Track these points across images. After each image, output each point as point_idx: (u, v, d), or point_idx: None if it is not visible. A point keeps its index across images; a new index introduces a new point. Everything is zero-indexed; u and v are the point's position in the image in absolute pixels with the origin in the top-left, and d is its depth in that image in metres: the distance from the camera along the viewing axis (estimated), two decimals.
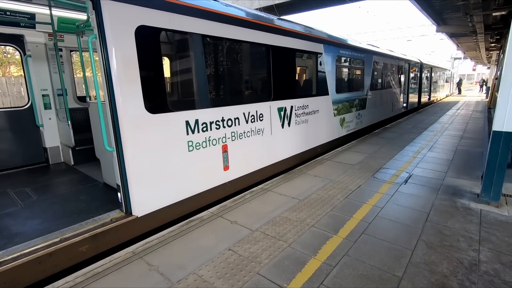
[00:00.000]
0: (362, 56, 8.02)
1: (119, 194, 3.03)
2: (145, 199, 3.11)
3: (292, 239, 3.00)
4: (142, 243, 2.95)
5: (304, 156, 5.92)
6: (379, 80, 9.79)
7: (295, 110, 5.38)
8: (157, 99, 3.14)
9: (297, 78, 5.70)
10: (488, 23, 12.14)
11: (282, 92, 4.98)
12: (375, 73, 9.49)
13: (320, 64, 6.08)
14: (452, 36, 18.74)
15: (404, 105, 13.65)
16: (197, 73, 3.77)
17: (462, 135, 8.43)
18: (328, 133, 6.72)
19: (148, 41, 2.99)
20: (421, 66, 15.50)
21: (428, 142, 7.58)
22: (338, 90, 6.94)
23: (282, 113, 5.04)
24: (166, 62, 3.78)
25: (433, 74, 19.25)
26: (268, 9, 12.28)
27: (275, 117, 4.89)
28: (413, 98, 14.65)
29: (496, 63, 23.51)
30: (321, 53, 6.05)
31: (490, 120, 11.67)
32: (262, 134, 4.61)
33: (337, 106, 6.91)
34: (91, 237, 2.75)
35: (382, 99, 10.08)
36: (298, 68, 5.79)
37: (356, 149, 6.89)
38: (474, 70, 56.25)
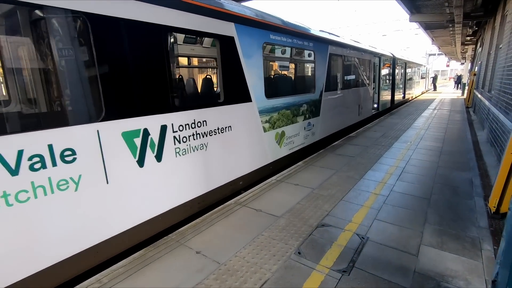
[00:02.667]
0: (311, 46, 5.91)
1: None
2: None
3: None
4: None
5: (206, 200, 3.74)
6: (340, 78, 7.76)
7: (176, 132, 3.17)
8: None
9: (176, 76, 3.51)
10: (467, 10, 10.46)
11: (132, 101, 2.73)
12: (334, 69, 7.44)
13: (231, 55, 3.88)
14: (427, 28, 17.21)
15: (375, 105, 11.80)
16: None
17: (441, 148, 6.55)
18: (255, 158, 4.56)
19: None
20: (394, 61, 13.74)
21: (399, 161, 5.60)
22: (270, 94, 4.80)
23: (139, 140, 2.80)
24: None
25: (407, 70, 17.67)
26: None
27: (120, 150, 2.64)
28: (386, 97, 12.86)
29: (472, 58, 22.46)
30: (231, 37, 3.85)
31: (471, 123, 9.98)
32: (77, 186, 2.35)
33: (269, 117, 4.76)
34: None
35: (345, 102, 8.06)
36: (177, 60, 3.58)
37: (296, 179, 4.78)
38: (447, 66, 56.55)
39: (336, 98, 7.45)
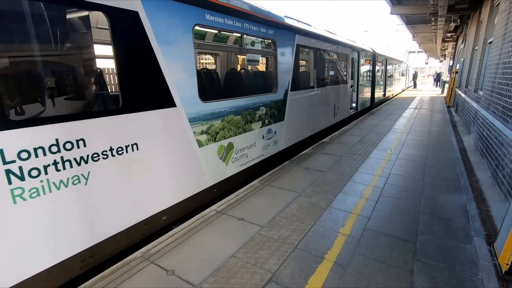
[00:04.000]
0: (271, 33, 4.72)
1: None
2: None
3: None
4: None
5: (95, 255, 2.48)
6: (312, 74, 6.63)
7: (12, 164, 1.88)
8: None
9: (7, 72, 2.22)
10: (451, 2, 9.61)
11: None
12: (303, 63, 6.30)
13: (134, 39, 2.62)
14: (408, 23, 16.46)
15: (354, 105, 10.84)
16: None
17: (425, 157, 5.58)
18: (185, 182, 3.36)
19: None
20: (374, 57, 12.83)
21: (377, 178, 4.56)
22: (208, 95, 3.60)
23: None
24: None
25: (388, 66, 16.91)
26: None
27: None
28: (365, 96, 11.94)
29: (452, 55, 22.12)
30: (134, 12, 2.58)
31: (454, 125, 9.19)
32: None
33: (207, 126, 3.54)
34: None
35: (318, 102, 6.96)
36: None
37: (242, 209, 3.62)
38: (426, 63, 57.24)
39: (307, 98, 6.32)
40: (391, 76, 18.53)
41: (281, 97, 5.20)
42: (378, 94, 14.72)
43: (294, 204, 3.69)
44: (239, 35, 4.09)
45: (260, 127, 4.68)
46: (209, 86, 3.78)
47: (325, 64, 7.30)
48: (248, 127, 4.35)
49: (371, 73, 12.64)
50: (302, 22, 6.02)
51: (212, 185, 3.79)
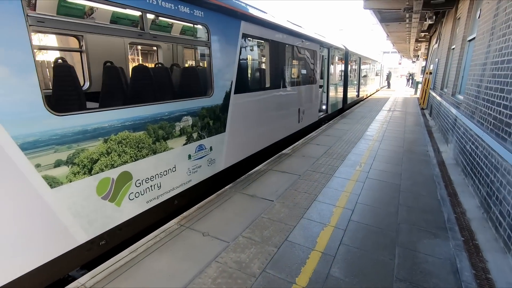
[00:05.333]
0: (200, 16, 3.44)
1: None
2: None
3: None
4: None
5: None
6: (269, 73, 5.44)
7: None
8: None
9: None
10: None
11: None
12: (254, 59, 5.11)
13: None
14: (382, 20, 15.78)
15: (323, 107, 9.83)
16: None
17: (400, 178, 4.57)
18: (17, 250, 2.00)
19: None
20: (346, 55, 11.91)
21: (339, 212, 3.44)
22: (69, 103, 2.27)
23: None
24: None
25: (362, 65, 16.18)
26: None
27: None
28: (337, 97, 10.98)
29: (425, 56, 21.95)
30: None
31: (429, 130, 8.41)
32: None
33: (69, 153, 2.20)
34: None
35: (276, 106, 5.79)
36: None
37: (124, 283, 2.34)
38: (400, 64, 58.34)
39: (259, 102, 5.12)
40: (365, 75, 17.89)
41: (219, 102, 3.95)
42: (351, 94, 13.90)
43: (213, 267, 2.46)
44: (140, 11, 2.77)
45: (184, 144, 3.41)
46: (71, 88, 2.45)
47: (286, 61, 6.14)
48: (161, 146, 3.07)
49: (343, 72, 11.70)
50: (252, 6, 4.79)
51: (91, 239, 2.47)
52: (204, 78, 3.81)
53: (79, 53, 4.57)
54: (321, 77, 9.31)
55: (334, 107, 10.55)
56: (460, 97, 6.25)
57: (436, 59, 11.80)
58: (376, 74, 23.99)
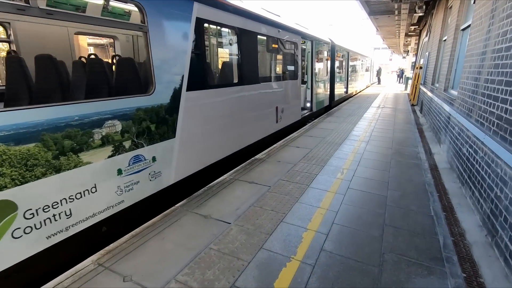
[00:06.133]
0: None
1: None
2: None
3: None
4: None
5: None
6: (234, 66, 4.70)
7: None
8: None
9: None
10: None
11: None
12: (215, 50, 4.38)
13: None
14: (371, 13, 15.16)
15: (308, 105, 9.14)
16: None
17: (387, 188, 3.90)
18: None
19: None
20: (333, 49, 11.23)
21: (308, 240, 2.74)
22: None
23: None
24: None
25: (351, 61, 15.55)
26: None
27: None
28: (323, 93, 10.30)
29: (415, 51, 21.47)
30: None
31: (420, 129, 7.79)
32: None
33: None
34: None
35: (247, 105, 5.06)
36: None
37: None
38: (390, 60, 58.23)
39: (225, 101, 4.37)
40: (354, 71, 17.28)
41: (164, 100, 3.19)
42: (339, 91, 13.26)
43: None
44: None
45: (110, 156, 2.64)
46: None
47: (260, 54, 5.40)
48: (69, 161, 2.30)
49: (329, 68, 11.02)
50: None
51: None
52: (140, 71, 3.05)
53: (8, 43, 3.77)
54: (306, 73, 8.62)
55: (320, 104, 9.86)
56: (454, 92, 5.62)
57: (427, 53, 11.22)
58: (366, 70, 23.45)
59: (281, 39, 6.26)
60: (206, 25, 3.88)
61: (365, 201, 3.51)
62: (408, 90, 19.05)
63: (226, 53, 5.00)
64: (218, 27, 4.38)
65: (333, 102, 12.12)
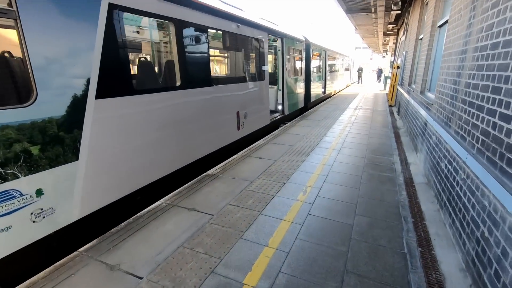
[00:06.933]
0: None
1: None
2: None
3: None
4: None
5: None
6: (172, 67, 3.91)
7: None
8: None
9: None
10: None
11: None
12: (144, 46, 3.60)
13: None
14: (348, 11, 14.71)
15: (280, 107, 8.46)
16: None
17: (354, 213, 3.26)
18: None
19: None
20: (308, 47, 10.62)
21: None
22: None
23: None
24: None
25: (329, 60, 15.04)
26: None
27: None
28: (297, 95, 9.65)
29: (393, 50, 21.34)
30: None
31: (397, 133, 7.29)
32: None
33: None
34: None
35: (194, 112, 4.29)
36: None
37: None
38: (371, 59, 58.94)
39: (160, 110, 3.58)
40: (332, 70, 16.82)
41: (57, 113, 2.38)
42: (316, 91, 12.70)
43: None
44: None
45: None
46: None
47: (211, 52, 4.64)
48: None
49: (304, 67, 10.39)
50: None
51: None
52: (10, 73, 2.22)
53: None
54: (278, 73, 7.93)
55: (293, 106, 9.22)
56: (431, 95, 5.08)
57: (404, 52, 10.82)
58: (346, 69, 23.15)
59: (242, 36, 5.52)
60: (127, 14, 3.08)
61: (325, 234, 2.84)
62: (387, 90, 18.85)
63: (162, 50, 4.21)
64: (148, 18, 3.58)
65: (310, 103, 11.53)
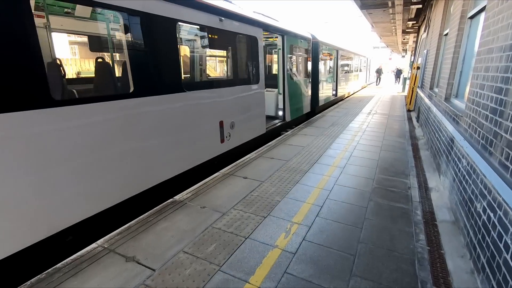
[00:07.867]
0: None
1: None
2: None
3: None
4: None
5: None
6: (128, 67, 3.11)
7: None
8: None
9: None
10: None
11: None
12: (92, 41, 2.74)
13: None
14: (363, 7, 13.56)
15: (280, 113, 7.55)
16: None
17: (349, 273, 2.32)
18: None
19: None
20: (316, 46, 9.63)
21: None
22: None
23: None
24: None
25: (341, 60, 13.93)
26: None
27: None
28: (301, 99, 8.69)
29: (413, 49, 19.85)
30: None
31: (415, 144, 6.22)
32: None
33: None
34: None
35: (155, 124, 3.49)
36: None
37: None
38: (390, 59, 56.59)
39: (100, 124, 2.79)
40: (345, 71, 15.67)
41: None
42: (326, 94, 11.66)
43: None
44: None
45: None
46: None
47: (185, 50, 3.81)
48: None
49: (311, 68, 9.41)
50: None
51: None
52: None
53: None
54: (279, 75, 7.04)
55: (297, 112, 8.27)
56: (459, 104, 4.04)
57: (425, 50, 9.62)
58: (361, 70, 21.81)
59: (226, 31, 4.67)
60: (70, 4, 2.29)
61: None
62: (406, 92, 17.46)
63: (121, 47, 3.42)
64: (104, 10, 2.80)
65: (318, 108, 10.53)
